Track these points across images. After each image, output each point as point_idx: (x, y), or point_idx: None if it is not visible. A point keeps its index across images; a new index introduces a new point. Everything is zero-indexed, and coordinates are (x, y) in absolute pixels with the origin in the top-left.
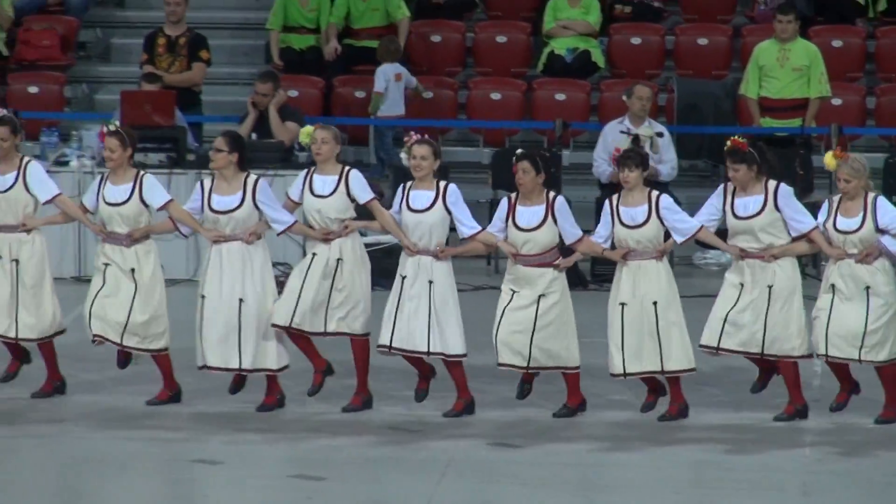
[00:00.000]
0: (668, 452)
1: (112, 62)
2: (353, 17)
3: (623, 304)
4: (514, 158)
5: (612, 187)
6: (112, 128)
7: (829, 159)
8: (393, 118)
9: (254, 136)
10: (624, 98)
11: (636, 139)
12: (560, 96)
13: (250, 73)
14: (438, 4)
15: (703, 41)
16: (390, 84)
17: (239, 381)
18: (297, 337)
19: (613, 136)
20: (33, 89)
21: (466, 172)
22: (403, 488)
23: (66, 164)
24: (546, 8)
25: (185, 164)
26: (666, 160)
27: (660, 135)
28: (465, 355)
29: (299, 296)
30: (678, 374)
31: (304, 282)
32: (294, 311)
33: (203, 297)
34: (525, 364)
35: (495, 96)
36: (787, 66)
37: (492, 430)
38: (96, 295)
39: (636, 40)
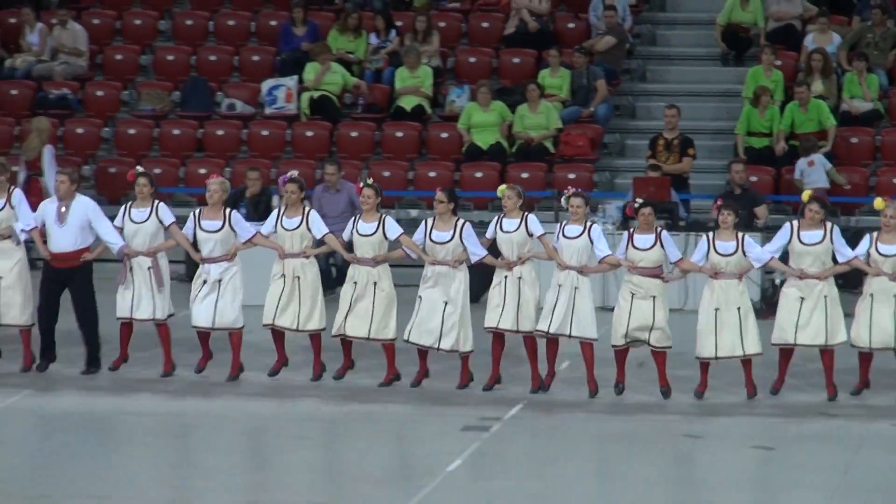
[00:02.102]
0: None
1: (626, 157)
2: (796, 124)
3: (717, 310)
4: (639, 205)
5: None
6: (370, 182)
7: (878, 202)
8: (819, 191)
9: None
10: None
11: None
12: None
13: (722, 165)
14: (856, 116)
15: None
16: (804, 169)
17: (423, 375)
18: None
19: None
20: (571, 175)
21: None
22: (826, 456)
23: None
24: None
25: (678, 228)
26: None
27: None
28: (596, 339)
29: (518, 306)
30: (753, 356)
31: (513, 295)
32: (517, 319)
33: (420, 297)
34: (648, 341)
35: None
36: None
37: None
38: (350, 304)
39: None
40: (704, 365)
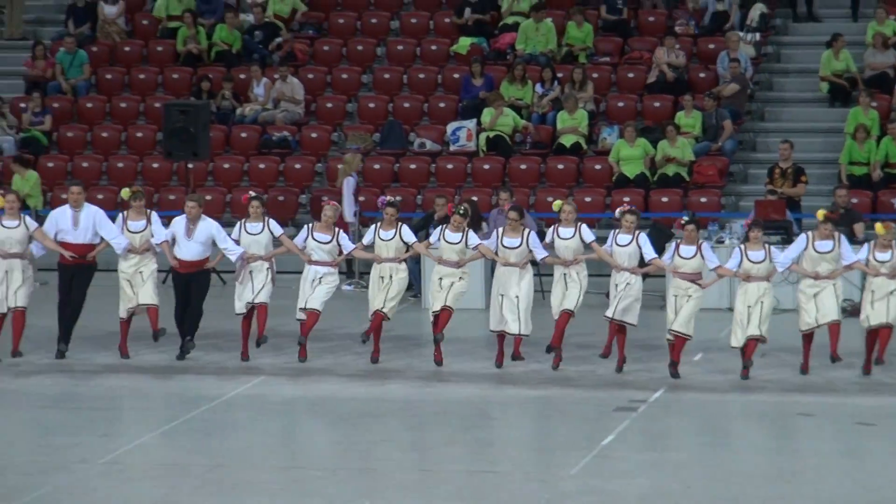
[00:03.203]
0: None
1: (749, 183)
2: (890, 155)
3: (749, 307)
4: (685, 222)
5: None
6: (461, 210)
7: (879, 227)
8: None
9: None
10: None
11: None
12: None
13: (828, 189)
14: None
15: None
16: None
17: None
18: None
19: None
20: (703, 199)
21: None
22: None
23: (721, 242)
24: None
25: (790, 242)
26: None
27: None
28: (636, 325)
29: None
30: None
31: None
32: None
33: (501, 296)
34: (691, 334)
35: None
36: None
37: None
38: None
39: None
40: (748, 345)
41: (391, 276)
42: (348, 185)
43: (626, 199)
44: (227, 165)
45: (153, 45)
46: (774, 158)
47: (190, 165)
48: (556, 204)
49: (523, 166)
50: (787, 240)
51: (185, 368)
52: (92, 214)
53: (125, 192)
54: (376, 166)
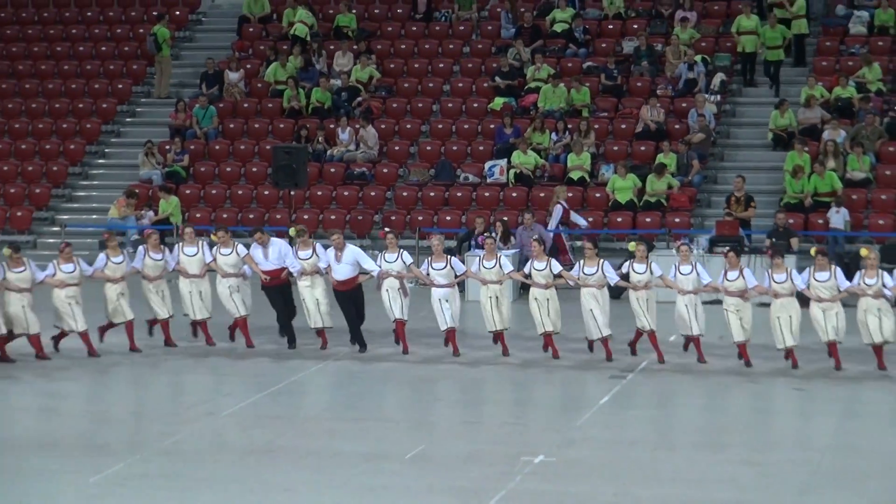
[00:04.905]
0: None
1: (712, 208)
2: (818, 187)
3: (779, 317)
4: (728, 250)
5: None
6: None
7: (863, 251)
8: (836, 230)
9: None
10: None
11: None
12: None
13: (771, 213)
14: (855, 182)
15: None
16: (832, 215)
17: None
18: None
19: None
20: (677, 219)
21: None
22: (837, 393)
23: (691, 252)
24: None
25: (743, 253)
26: None
27: None
28: (703, 335)
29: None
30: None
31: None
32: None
33: (591, 311)
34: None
35: None
36: None
37: None
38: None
39: None
40: (789, 351)
41: (497, 297)
42: (557, 211)
43: (681, 240)
44: (319, 193)
45: (265, 102)
46: (731, 189)
47: (292, 193)
48: (632, 245)
49: (542, 194)
50: (740, 251)
51: (296, 354)
52: (278, 248)
53: (293, 231)
54: (431, 194)
